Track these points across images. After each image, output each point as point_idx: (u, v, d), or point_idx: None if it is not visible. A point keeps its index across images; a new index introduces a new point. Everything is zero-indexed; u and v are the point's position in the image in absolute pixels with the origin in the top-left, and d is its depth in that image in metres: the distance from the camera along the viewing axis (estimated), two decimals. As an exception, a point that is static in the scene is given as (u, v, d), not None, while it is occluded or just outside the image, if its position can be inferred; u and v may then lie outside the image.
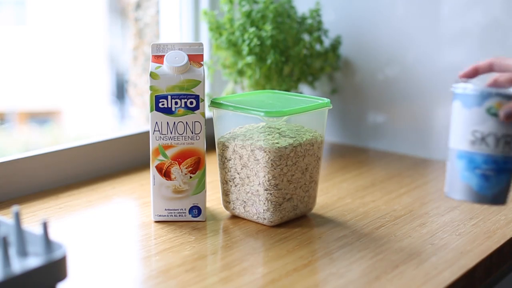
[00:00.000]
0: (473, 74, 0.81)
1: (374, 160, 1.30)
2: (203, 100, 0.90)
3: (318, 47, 1.32)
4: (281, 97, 1.00)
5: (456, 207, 1.01)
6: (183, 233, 0.89)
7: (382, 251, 0.84)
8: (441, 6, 1.26)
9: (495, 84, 0.80)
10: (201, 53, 0.92)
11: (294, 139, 0.90)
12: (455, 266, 0.79)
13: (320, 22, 1.30)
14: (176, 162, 0.91)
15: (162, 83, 0.89)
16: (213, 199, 1.01)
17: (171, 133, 0.90)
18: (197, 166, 0.92)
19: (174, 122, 0.90)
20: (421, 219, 0.95)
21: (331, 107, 0.94)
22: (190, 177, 0.92)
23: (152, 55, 0.91)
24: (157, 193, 0.92)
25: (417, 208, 1.00)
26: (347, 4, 1.37)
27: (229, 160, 0.92)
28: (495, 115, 0.74)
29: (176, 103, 0.89)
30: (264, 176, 0.89)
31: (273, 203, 0.90)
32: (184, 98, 0.89)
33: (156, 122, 0.90)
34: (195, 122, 0.90)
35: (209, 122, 0.97)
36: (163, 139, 0.90)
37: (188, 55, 0.91)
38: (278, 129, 0.90)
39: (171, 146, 0.91)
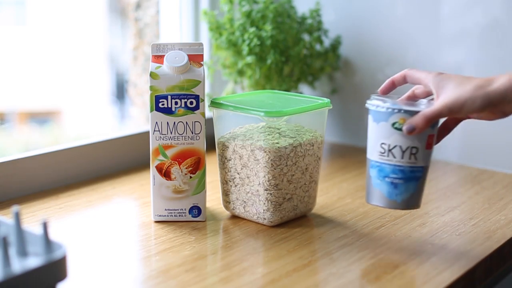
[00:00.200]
0: (390, 87, 0.86)
1: (374, 160, 1.30)
2: (203, 100, 0.90)
3: (318, 47, 1.32)
4: (281, 97, 1.00)
5: (456, 207, 1.01)
6: (183, 233, 0.89)
7: (382, 251, 0.84)
8: (441, 6, 1.26)
9: (413, 95, 0.86)
10: (201, 53, 0.92)
11: (294, 139, 0.90)
12: (455, 266, 0.79)
13: (320, 22, 1.30)
14: (176, 162, 0.91)
15: (162, 83, 0.89)
16: (213, 199, 1.01)
17: (171, 133, 0.90)
18: (197, 166, 0.92)
19: (174, 122, 0.90)
20: (421, 219, 0.95)
21: (331, 107, 0.94)
22: (190, 177, 0.92)
23: (152, 55, 0.91)
24: (157, 193, 0.92)
25: (417, 208, 1.00)
26: (347, 4, 1.37)
27: (229, 160, 0.92)
28: (399, 129, 0.80)
29: (176, 103, 0.89)
30: (264, 176, 0.89)
31: (273, 203, 0.90)
32: (184, 98, 0.89)
33: (156, 122, 0.90)
34: (195, 122, 0.90)
35: (209, 122, 0.97)
36: (163, 139, 0.90)
37: (188, 55, 0.91)
38: (278, 129, 0.90)
39: (171, 146, 0.91)
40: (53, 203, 1.01)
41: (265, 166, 0.88)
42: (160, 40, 1.34)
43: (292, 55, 1.24)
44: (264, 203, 0.90)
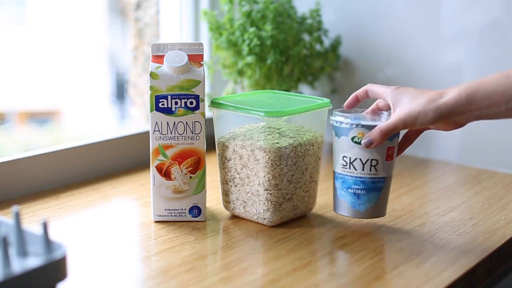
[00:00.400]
0: (355, 102, 0.90)
1: (374, 160, 1.30)
2: (203, 100, 0.90)
3: (318, 47, 1.32)
4: (281, 97, 1.00)
5: (456, 207, 1.01)
6: (183, 233, 0.89)
7: (382, 251, 0.84)
8: (441, 6, 1.26)
9: (377, 108, 0.90)
10: (201, 53, 0.92)
11: (294, 139, 0.90)
12: (455, 266, 0.79)
13: (320, 22, 1.30)
14: (176, 162, 0.91)
15: (162, 83, 0.89)
16: (213, 199, 1.01)
17: (171, 133, 0.90)
18: (197, 166, 0.92)
19: (174, 122, 0.90)
20: (421, 219, 0.95)
21: (331, 107, 0.94)
22: (190, 177, 0.92)
23: (152, 55, 0.91)
24: (157, 193, 0.92)
25: (417, 208, 1.00)
26: (347, 4, 1.37)
27: (229, 160, 0.92)
28: (358, 143, 0.85)
29: (176, 103, 0.89)
30: (264, 176, 0.89)
31: (273, 203, 0.90)
32: (184, 98, 0.89)
33: (156, 122, 0.90)
34: (195, 122, 0.90)
35: (209, 122, 0.97)
36: (163, 139, 0.90)
37: (188, 55, 0.91)
38: (278, 129, 0.90)
39: (171, 146, 0.91)
40: (53, 203, 1.01)
41: (265, 166, 0.88)
42: (160, 40, 1.34)
43: (292, 55, 1.24)
44: (264, 203, 0.90)
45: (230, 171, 0.92)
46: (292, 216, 0.93)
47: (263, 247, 0.85)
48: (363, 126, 0.85)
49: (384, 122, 0.84)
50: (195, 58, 0.92)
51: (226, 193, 0.94)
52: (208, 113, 1.06)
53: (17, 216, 0.67)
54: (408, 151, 0.92)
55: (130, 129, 1.24)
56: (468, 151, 1.26)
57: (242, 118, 0.91)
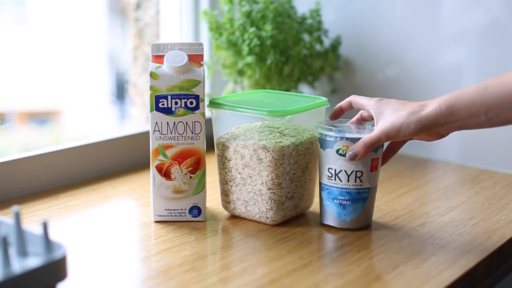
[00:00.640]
0: (339, 113, 0.93)
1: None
2: (203, 100, 0.90)
3: (318, 47, 1.32)
4: (278, 97, 1.00)
5: (456, 207, 1.01)
6: (183, 233, 0.89)
7: (382, 251, 0.84)
8: (441, 6, 1.26)
9: (361, 118, 0.92)
10: (201, 53, 0.92)
11: (296, 137, 0.90)
12: (455, 266, 0.79)
13: (320, 22, 1.30)
14: (176, 162, 0.91)
15: (162, 83, 0.89)
16: (213, 199, 1.01)
17: (171, 133, 0.90)
18: (197, 166, 0.92)
19: (174, 122, 0.90)
20: (421, 219, 0.95)
21: (329, 105, 0.95)
22: (190, 177, 0.92)
23: (152, 55, 0.91)
24: (157, 193, 0.92)
25: (417, 208, 1.00)
26: (347, 4, 1.37)
27: (230, 160, 0.92)
28: (343, 155, 0.87)
29: (176, 103, 0.89)
30: (268, 175, 0.89)
31: (276, 202, 0.90)
32: (184, 98, 0.89)
33: (156, 122, 0.90)
34: (195, 122, 0.90)
35: (208, 123, 0.97)
36: (163, 139, 0.90)
37: (188, 55, 0.91)
38: (278, 128, 0.90)
39: (171, 146, 0.91)
40: (53, 203, 1.01)
41: (269, 165, 0.88)
42: (160, 40, 1.34)
43: (292, 55, 1.24)
44: (267, 202, 0.90)
45: (231, 171, 0.92)
46: (293, 215, 0.93)
47: (263, 247, 0.85)
48: (347, 139, 0.87)
49: (367, 135, 0.85)
50: (195, 58, 0.92)
51: (226, 193, 0.94)
52: (208, 113, 1.06)
53: (17, 216, 0.67)
54: (408, 151, 0.93)
55: (130, 129, 1.24)
56: (468, 151, 1.26)
57: (239, 118, 0.91)
